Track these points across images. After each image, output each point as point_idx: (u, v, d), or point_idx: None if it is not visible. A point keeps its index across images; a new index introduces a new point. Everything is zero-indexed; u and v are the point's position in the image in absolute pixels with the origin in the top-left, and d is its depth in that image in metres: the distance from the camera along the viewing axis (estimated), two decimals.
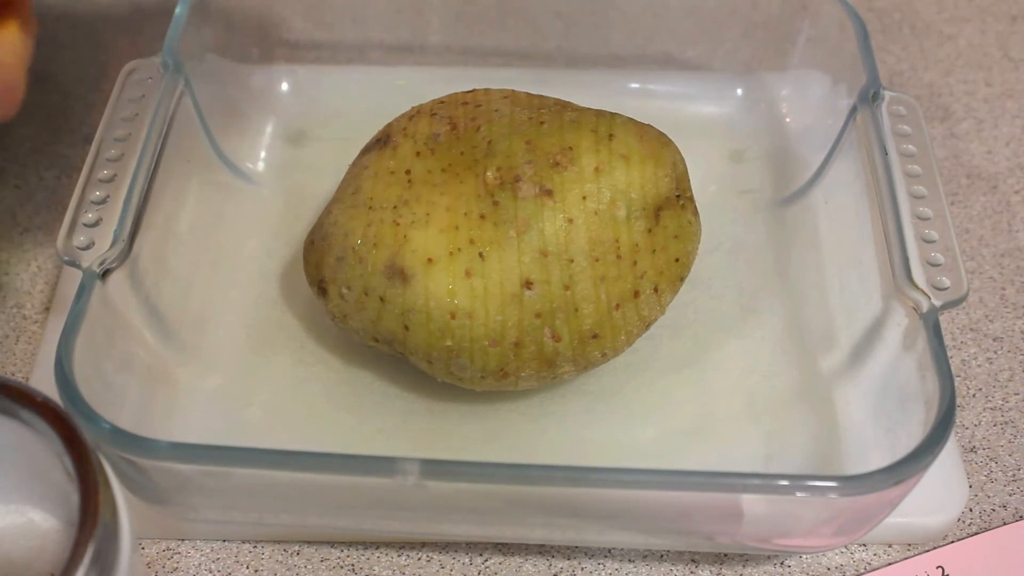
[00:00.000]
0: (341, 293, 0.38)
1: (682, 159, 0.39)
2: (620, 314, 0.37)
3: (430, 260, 0.36)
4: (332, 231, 0.38)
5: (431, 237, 0.36)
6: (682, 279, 0.39)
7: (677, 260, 0.38)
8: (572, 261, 0.36)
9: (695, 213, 0.39)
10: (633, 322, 0.38)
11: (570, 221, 0.36)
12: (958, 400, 0.43)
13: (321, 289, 0.39)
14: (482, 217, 0.36)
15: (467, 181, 0.37)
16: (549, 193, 0.36)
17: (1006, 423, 0.43)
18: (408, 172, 0.38)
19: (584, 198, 0.36)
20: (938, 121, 0.54)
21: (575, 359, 0.37)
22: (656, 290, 0.38)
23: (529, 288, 0.36)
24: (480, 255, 0.36)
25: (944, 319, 0.46)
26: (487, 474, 0.33)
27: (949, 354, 0.45)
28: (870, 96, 0.43)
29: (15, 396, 0.28)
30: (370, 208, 0.37)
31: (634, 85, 0.51)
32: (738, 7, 0.50)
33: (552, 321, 0.36)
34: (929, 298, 0.37)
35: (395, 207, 0.37)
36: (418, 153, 0.38)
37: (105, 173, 0.39)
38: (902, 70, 0.56)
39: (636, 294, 0.37)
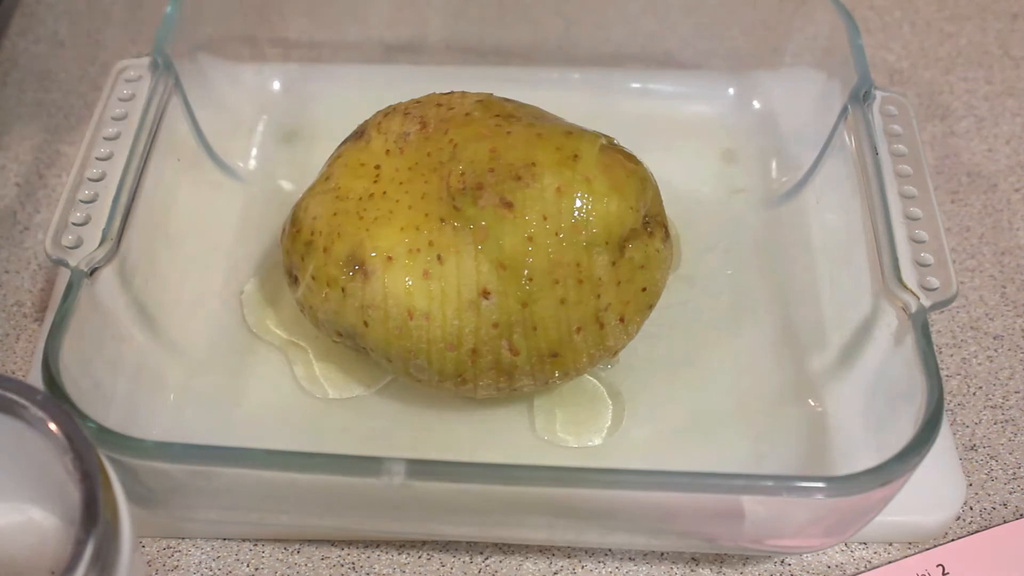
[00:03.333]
0: (308, 283, 0.38)
1: (652, 184, 0.38)
2: (581, 337, 0.37)
3: (390, 258, 0.36)
4: (302, 216, 0.38)
5: (392, 235, 0.36)
6: (651, 307, 0.38)
7: (644, 289, 0.37)
8: (531, 280, 0.35)
9: (665, 238, 0.38)
10: (595, 346, 0.37)
11: (530, 239, 0.35)
12: (959, 398, 0.43)
13: (292, 277, 0.39)
14: (442, 220, 0.36)
15: (431, 182, 0.37)
16: (509, 206, 0.36)
17: (1006, 421, 0.43)
18: (377, 167, 0.38)
19: (545, 218, 0.36)
20: (938, 119, 0.54)
21: (533, 374, 0.37)
22: (622, 320, 0.37)
23: (486, 298, 0.36)
24: (439, 257, 0.36)
25: (944, 317, 0.46)
26: (473, 474, 0.33)
27: (949, 352, 0.45)
28: (861, 96, 0.43)
29: (16, 394, 0.28)
30: (337, 198, 0.38)
31: (627, 84, 0.51)
32: (732, 6, 0.50)
33: (510, 334, 0.36)
34: (918, 298, 0.37)
35: (360, 199, 0.37)
36: (387, 151, 0.38)
37: (95, 172, 0.40)
38: (902, 68, 0.56)
39: (601, 324, 0.37)
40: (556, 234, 0.36)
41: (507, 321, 0.36)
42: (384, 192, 0.37)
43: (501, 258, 0.36)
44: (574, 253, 0.36)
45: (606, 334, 0.37)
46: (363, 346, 0.38)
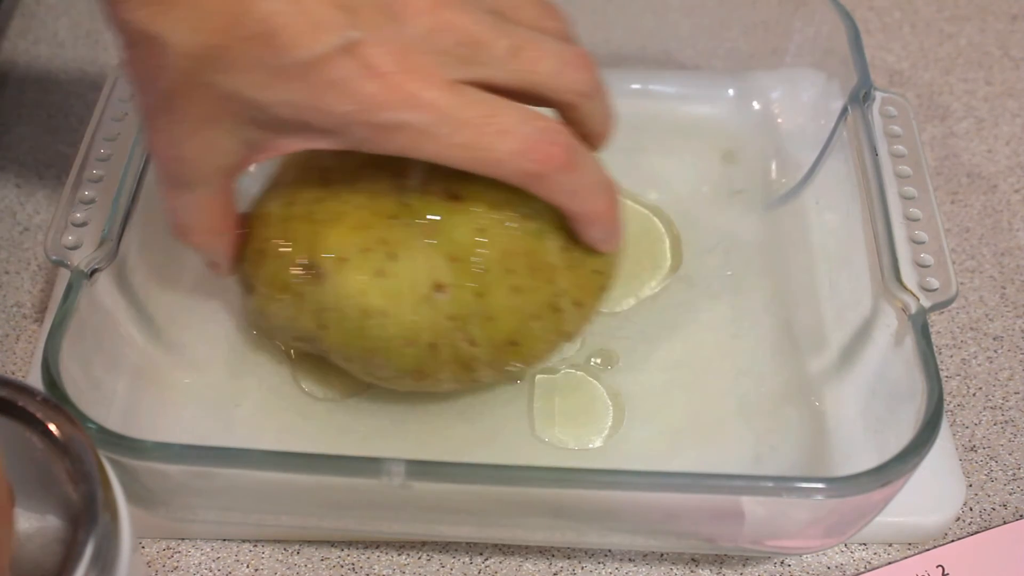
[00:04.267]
0: (262, 290, 0.37)
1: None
2: (539, 324, 0.37)
3: (343, 259, 0.36)
4: (252, 224, 0.38)
5: (344, 235, 0.36)
6: (604, 288, 0.38)
7: (597, 272, 0.38)
8: (485, 271, 0.35)
9: None
10: (553, 332, 0.37)
11: (480, 230, 0.36)
12: (958, 399, 0.43)
13: (246, 285, 0.38)
14: (393, 217, 0.36)
15: (380, 181, 0.36)
16: (457, 198, 0.36)
17: (1006, 422, 0.43)
18: (324, 169, 0.37)
19: (495, 208, 0.36)
20: (938, 120, 0.54)
21: (492, 364, 0.37)
22: (577, 304, 0.37)
23: (441, 292, 0.35)
24: (391, 255, 0.35)
25: (944, 318, 0.46)
26: (473, 475, 0.33)
27: (949, 353, 0.45)
28: (861, 97, 0.43)
29: (15, 395, 0.28)
30: (288, 203, 0.37)
31: (627, 85, 0.51)
32: (732, 7, 0.50)
33: (466, 326, 0.36)
34: (918, 299, 0.37)
35: (309, 203, 0.37)
36: (335, 152, 0.38)
37: (95, 173, 0.40)
38: (902, 69, 0.56)
39: (556, 310, 0.37)
40: (506, 223, 0.36)
41: (464, 313, 0.36)
42: (333, 194, 0.37)
43: (453, 251, 0.35)
44: (525, 241, 0.36)
45: (563, 319, 0.37)
46: (321, 349, 0.38)
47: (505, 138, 0.32)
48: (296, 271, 0.36)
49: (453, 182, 0.36)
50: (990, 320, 0.46)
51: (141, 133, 0.38)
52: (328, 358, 0.38)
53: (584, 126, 0.36)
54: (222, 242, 0.37)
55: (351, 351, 0.37)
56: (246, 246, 0.38)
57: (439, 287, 0.35)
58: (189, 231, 0.37)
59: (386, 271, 0.35)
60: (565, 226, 0.36)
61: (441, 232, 0.35)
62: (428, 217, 0.36)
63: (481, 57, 0.32)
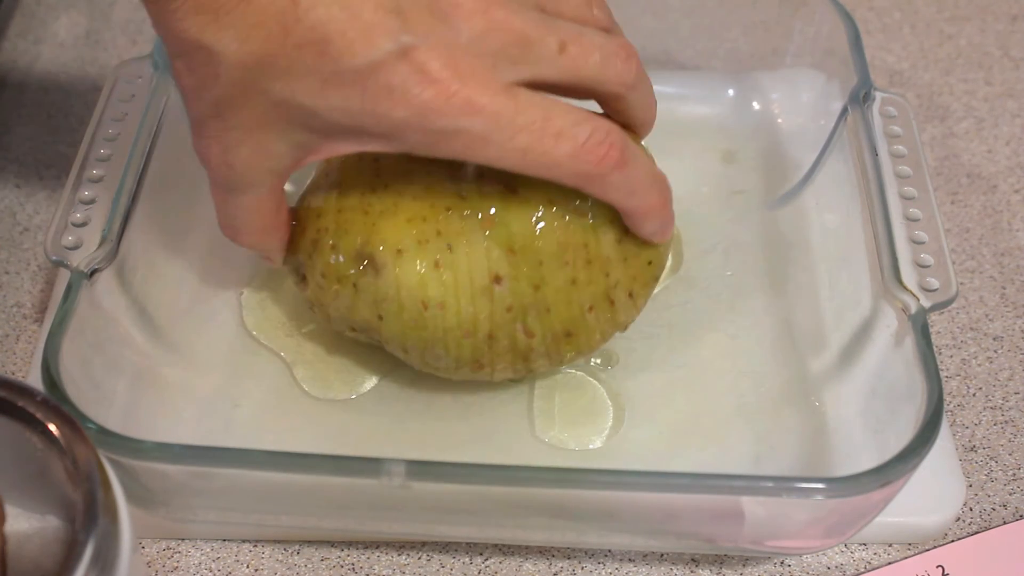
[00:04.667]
0: (318, 281, 0.38)
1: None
2: (594, 316, 0.37)
3: (399, 250, 0.36)
4: (305, 214, 0.38)
5: (400, 227, 0.36)
6: (656, 279, 0.39)
7: (650, 263, 0.38)
8: (541, 263, 0.36)
9: None
10: (607, 323, 0.38)
11: (537, 223, 0.36)
12: (958, 399, 0.43)
13: (300, 275, 0.39)
14: (448, 209, 0.36)
15: (434, 172, 0.36)
16: (514, 191, 0.36)
17: (1006, 422, 0.43)
18: (376, 160, 0.38)
19: (551, 201, 0.36)
20: (938, 120, 0.54)
21: (549, 354, 0.37)
22: (631, 295, 0.38)
23: (498, 283, 0.36)
24: (448, 247, 0.36)
25: (944, 318, 0.46)
26: (473, 475, 0.33)
27: (949, 353, 0.45)
28: (861, 97, 0.43)
29: (15, 395, 0.28)
30: (340, 194, 0.37)
31: None
32: (732, 7, 0.50)
33: (524, 317, 0.36)
34: (918, 299, 0.37)
35: (364, 194, 0.37)
36: None
37: (95, 173, 0.40)
38: (902, 69, 0.56)
39: (611, 301, 0.37)
40: (563, 216, 0.36)
41: (520, 304, 0.36)
42: (387, 185, 0.37)
43: (510, 243, 0.36)
44: (581, 234, 0.36)
45: (617, 310, 0.37)
46: (378, 339, 0.38)
47: (561, 141, 0.32)
48: (352, 263, 0.36)
49: (508, 175, 0.36)
50: (990, 320, 0.46)
51: (191, 138, 0.38)
52: (385, 348, 0.38)
53: (629, 116, 0.36)
54: (274, 239, 0.38)
55: (409, 342, 0.37)
56: (299, 238, 0.38)
57: (496, 279, 0.36)
58: (240, 232, 0.37)
59: (443, 263, 0.36)
60: (618, 218, 0.36)
61: (497, 224, 0.36)
62: (484, 209, 0.36)
63: (531, 56, 0.32)
